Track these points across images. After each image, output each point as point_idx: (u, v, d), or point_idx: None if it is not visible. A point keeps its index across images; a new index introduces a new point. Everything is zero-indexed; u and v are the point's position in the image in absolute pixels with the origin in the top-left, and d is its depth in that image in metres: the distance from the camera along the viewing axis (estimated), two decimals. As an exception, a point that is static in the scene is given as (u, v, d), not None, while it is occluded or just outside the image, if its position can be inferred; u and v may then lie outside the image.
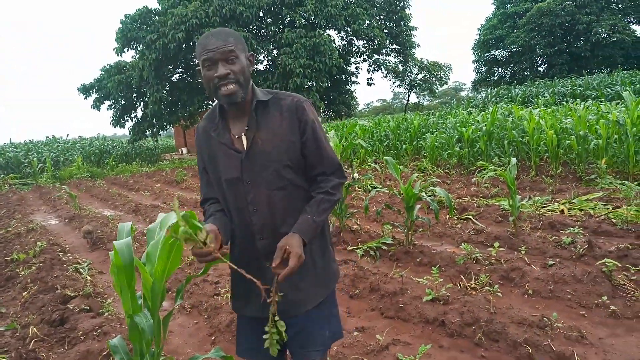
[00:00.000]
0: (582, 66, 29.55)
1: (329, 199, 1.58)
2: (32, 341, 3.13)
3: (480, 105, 19.03)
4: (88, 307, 3.66)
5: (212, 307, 3.55)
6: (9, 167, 17.79)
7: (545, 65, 33.96)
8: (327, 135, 1.74)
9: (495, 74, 37.94)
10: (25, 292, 4.11)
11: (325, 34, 18.51)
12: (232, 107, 1.56)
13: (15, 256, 5.32)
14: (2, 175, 16.53)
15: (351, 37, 23.82)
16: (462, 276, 3.71)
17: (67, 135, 27.58)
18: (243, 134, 1.56)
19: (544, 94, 17.61)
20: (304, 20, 18.62)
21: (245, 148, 1.54)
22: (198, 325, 3.43)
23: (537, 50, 32.97)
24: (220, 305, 3.53)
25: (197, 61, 1.59)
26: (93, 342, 2.98)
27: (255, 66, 19.11)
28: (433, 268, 3.72)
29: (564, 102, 13.45)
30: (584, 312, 3.01)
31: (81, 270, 4.83)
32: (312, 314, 1.63)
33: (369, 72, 27.73)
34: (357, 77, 23.78)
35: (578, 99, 13.43)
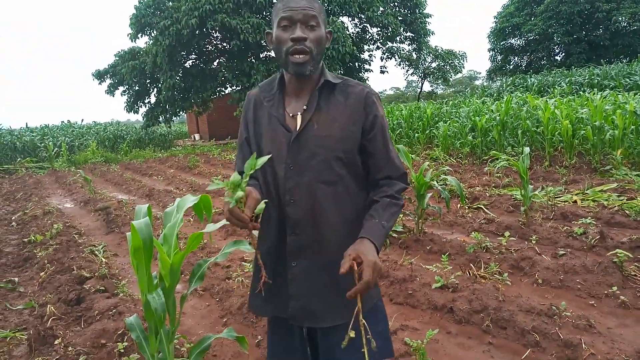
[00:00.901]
0: (600, 55, 29.01)
1: (396, 203, 1.40)
2: (50, 319, 3.22)
3: (495, 95, 18.84)
4: (103, 288, 3.74)
5: (224, 290, 3.62)
6: (25, 151, 18.06)
7: (563, 54, 33.36)
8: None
9: (511, 63, 37.38)
10: (43, 273, 4.21)
11: (339, 20, 18.36)
12: (297, 81, 1.40)
13: (33, 238, 5.45)
14: (19, 159, 16.81)
15: (365, 24, 23.59)
16: (471, 264, 3.72)
17: (82, 120, 27.81)
18: (299, 113, 1.39)
19: (560, 83, 17.37)
20: (317, 7, 18.44)
21: (298, 128, 1.37)
22: (210, 307, 3.50)
23: (555, 38, 32.37)
24: (232, 289, 3.59)
25: (272, 21, 1.39)
26: (108, 322, 3.06)
27: (267, 53, 19.11)
28: (443, 256, 3.74)
29: (581, 92, 13.24)
30: (593, 302, 3.02)
31: (96, 252, 4.93)
32: (347, 328, 1.32)
33: (382, 60, 27.53)
34: (370, 64, 23.58)
35: (595, 89, 13.21)
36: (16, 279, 4.28)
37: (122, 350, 2.68)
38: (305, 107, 1.39)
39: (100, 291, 3.69)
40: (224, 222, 1.59)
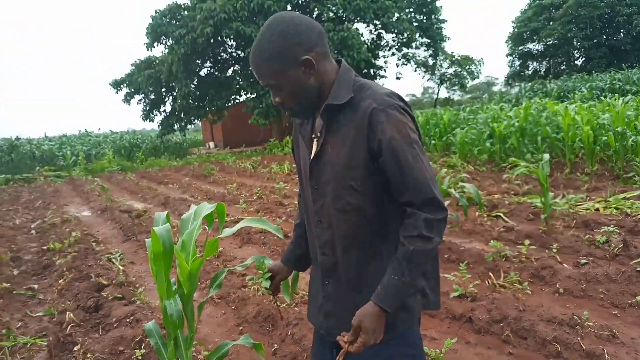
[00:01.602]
0: (622, 60, 28.56)
1: (422, 248, 1.19)
2: (69, 326, 3.26)
3: (513, 101, 18.65)
4: (121, 295, 3.77)
5: (240, 298, 3.61)
6: (44, 160, 18.43)
7: (583, 58, 32.97)
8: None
9: (530, 68, 37.07)
10: (62, 280, 4.26)
11: (354, 27, 18.45)
12: None
13: (52, 245, 5.52)
14: (37, 168, 17.14)
15: (380, 31, 23.62)
16: (490, 273, 3.66)
17: (99, 129, 28.35)
18: (315, 138, 1.35)
19: (580, 88, 17.12)
20: (332, 14, 18.58)
21: (313, 154, 1.33)
22: (226, 315, 3.49)
23: (575, 43, 32.02)
24: (248, 297, 3.59)
25: None
26: (126, 329, 3.07)
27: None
28: (461, 264, 3.68)
29: (602, 98, 13.03)
30: (616, 312, 2.94)
31: (114, 260, 4.98)
32: (372, 351, 1.29)
33: (397, 66, 27.79)
34: (385, 71, 23.64)
35: (617, 94, 12.98)
36: (36, 286, 4.33)
37: (140, 357, 2.69)
38: (318, 133, 1.34)
39: (118, 299, 3.72)
40: (239, 227, 1.61)
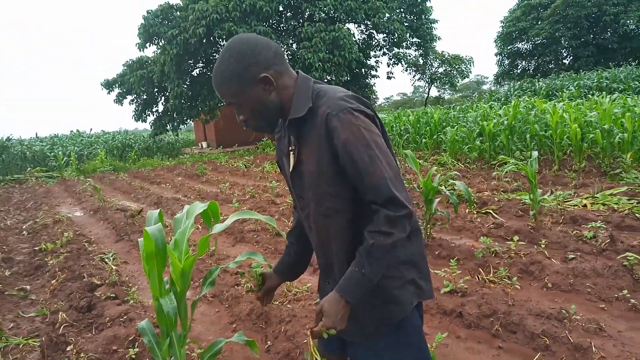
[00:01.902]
0: (609, 58, 28.80)
1: (382, 243, 1.21)
2: (62, 326, 3.26)
3: (503, 99, 18.78)
4: (114, 295, 3.78)
5: (233, 296, 3.63)
6: (35, 161, 18.26)
7: (571, 57, 33.26)
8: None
9: (519, 67, 37.32)
10: (54, 280, 4.26)
11: (345, 27, 18.47)
12: None
13: (44, 246, 5.51)
14: (29, 169, 17.00)
15: (371, 31, 23.68)
16: (480, 269, 3.71)
17: (91, 129, 28.12)
18: (290, 151, 1.40)
19: (568, 87, 17.28)
20: (323, 14, 18.61)
21: (291, 166, 1.40)
22: (219, 314, 3.52)
23: (562, 42, 32.30)
24: (241, 295, 3.61)
25: None
26: (119, 328, 3.09)
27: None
28: (451, 261, 3.73)
29: (590, 96, 13.17)
30: (603, 306, 3.00)
31: (106, 260, 4.98)
32: (369, 345, 1.42)
33: (388, 66, 27.63)
34: (376, 70, 23.72)
35: (604, 92, 13.14)
36: (28, 287, 4.32)
37: (134, 356, 2.71)
38: (291, 148, 1.40)
39: (111, 298, 3.73)
40: (230, 221, 1.64)
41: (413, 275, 1.40)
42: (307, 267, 1.74)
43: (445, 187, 5.14)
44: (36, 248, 5.62)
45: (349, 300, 1.24)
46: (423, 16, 27.16)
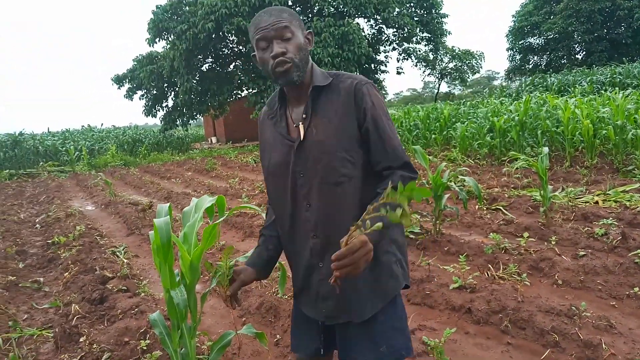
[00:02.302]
0: (622, 54, 28.45)
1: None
2: (75, 318, 3.31)
3: (514, 95, 18.63)
4: (125, 288, 3.83)
5: (243, 290, 3.66)
6: (47, 155, 18.47)
7: (584, 52, 32.84)
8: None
9: (531, 62, 36.93)
10: (67, 273, 4.32)
11: (354, 22, 18.37)
12: (291, 90, 1.45)
13: (56, 239, 5.58)
14: (41, 163, 17.22)
15: (380, 26, 23.54)
16: (490, 265, 3.70)
17: (102, 124, 28.33)
18: (300, 122, 1.42)
19: (581, 82, 17.09)
20: (332, 9, 18.53)
21: (301, 138, 1.40)
22: (229, 307, 3.54)
23: (575, 37, 31.89)
24: (250, 289, 3.64)
25: (252, 45, 1.44)
26: (131, 320, 3.13)
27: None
28: (460, 257, 3.73)
29: (603, 91, 13.01)
30: (614, 303, 2.98)
31: (118, 253, 5.04)
32: (365, 323, 1.46)
33: (398, 61, 27.34)
34: (386, 66, 23.52)
35: (617, 88, 12.97)
36: (41, 279, 4.39)
37: (145, 348, 2.74)
38: (304, 115, 1.42)
39: (123, 291, 3.78)
40: (230, 213, 1.69)
41: (400, 257, 1.49)
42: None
43: (455, 183, 5.13)
44: (49, 241, 5.69)
45: (372, 240, 1.22)
46: (433, 10, 26.87)
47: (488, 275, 3.56)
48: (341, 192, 1.38)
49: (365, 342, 1.47)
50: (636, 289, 3.02)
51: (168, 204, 1.84)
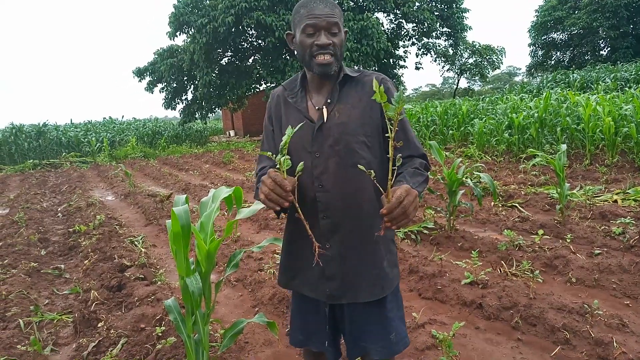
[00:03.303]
0: (648, 50, 27.71)
1: (422, 172, 1.44)
2: (93, 304, 3.41)
3: (535, 91, 18.32)
4: (142, 276, 3.92)
5: (256, 281, 3.72)
6: (70, 146, 18.87)
7: (608, 48, 32.06)
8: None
9: (553, 58, 36.22)
10: (87, 260, 4.44)
11: (374, 16, 18.27)
12: (316, 79, 1.50)
13: (77, 228, 5.73)
14: (64, 154, 17.62)
15: (400, 20, 23.37)
16: (503, 262, 3.69)
17: (123, 116, 28.77)
18: (325, 106, 1.48)
19: (604, 79, 16.73)
20: (352, 3, 18.46)
21: (324, 120, 1.46)
22: (242, 297, 3.61)
23: (600, 32, 31.14)
24: (264, 280, 3.70)
25: (293, 25, 1.49)
26: (147, 307, 3.21)
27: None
28: (473, 252, 3.73)
29: (627, 89, 12.72)
30: (628, 302, 2.95)
31: (136, 242, 5.15)
32: (374, 308, 1.52)
33: (417, 56, 27.20)
34: (405, 61, 23.35)
35: (641, 85, 12.66)
36: (62, 266, 4.52)
37: (160, 334, 2.82)
38: (329, 100, 1.48)
39: (140, 279, 3.87)
40: (257, 208, 1.70)
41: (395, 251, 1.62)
42: None
43: (471, 180, 5.10)
44: (70, 229, 5.85)
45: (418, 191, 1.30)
46: (454, 5, 26.50)
47: (500, 271, 3.55)
48: (359, 174, 1.40)
49: (377, 328, 1.53)
50: (651, 288, 2.99)
51: (185, 195, 1.90)
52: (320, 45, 1.39)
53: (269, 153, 1.45)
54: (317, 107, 1.50)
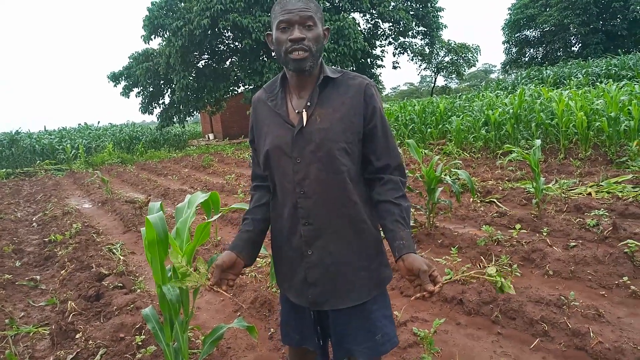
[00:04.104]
0: (618, 45, 28.49)
1: (408, 206, 1.46)
2: (71, 315, 3.34)
3: (510, 88, 18.65)
4: (121, 284, 3.85)
5: (237, 285, 3.69)
6: (44, 154, 18.45)
7: (580, 44, 32.84)
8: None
9: (527, 55, 36.93)
10: (63, 270, 4.35)
11: (350, 17, 18.34)
12: (298, 78, 1.46)
13: (53, 237, 5.60)
14: (38, 162, 17.20)
15: (376, 20, 23.51)
16: (482, 257, 3.74)
17: (98, 122, 28.29)
18: (304, 110, 1.43)
19: (576, 74, 17.13)
20: (328, 3, 18.50)
21: (304, 124, 1.41)
22: (224, 302, 3.58)
23: (571, 29, 31.90)
24: (245, 284, 3.67)
25: (271, 24, 1.46)
26: (127, 316, 3.16)
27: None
28: (452, 249, 3.77)
29: (598, 83, 13.04)
30: (603, 292, 3.02)
31: (114, 250, 5.06)
32: (357, 312, 1.50)
33: (394, 56, 27.41)
34: (382, 60, 23.53)
35: (612, 80, 13.00)
36: (38, 277, 4.42)
37: (140, 343, 2.77)
38: (308, 104, 1.44)
39: (119, 287, 3.80)
40: (226, 210, 1.69)
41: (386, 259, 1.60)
42: None
43: (449, 177, 5.16)
44: (46, 239, 5.72)
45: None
46: (429, 4, 26.80)
47: (480, 267, 3.60)
48: (341, 181, 1.41)
49: (360, 331, 1.50)
50: (625, 278, 3.06)
51: (160, 202, 1.87)
52: (293, 39, 1.35)
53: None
54: (297, 111, 1.46)
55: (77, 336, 3.03)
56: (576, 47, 33.52)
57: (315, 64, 1.42)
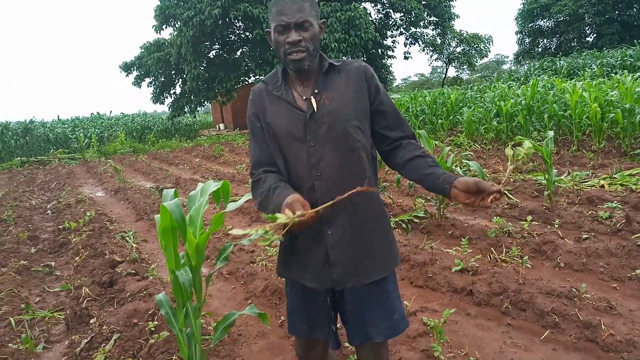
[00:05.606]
0: (634, 36, 27.82)
1: (435, 159, 1.56)
2: (85, 300, 3.40)
3: (522, 79, 18.40)
4: (134, 271, 3.91)
5: (248, 273, 3.73)
6: (58, 143, 18.67)
7: (594, 35, 32.23)
8: None
9: (540, 45, 36.34)
10: (77, 257, 4.42)
11: (361, 7, 18.20)
12: (298, 74, 1.52)
13: (67, 225, 5.69)
14: (52, 150, 17.42)
15: (387, 10, 23.31)
16: (492, 248, 3.73)
17: (111, 112, 28.49)
18: (312, 96, 1.49)
19: (591, 65, 16.82)
20: (339, -6, 18.33)
21: (315, 109, 1.47)
22: (235, 290, 3.62)
23: (586, 19, 31.27)
24: (256, 272, 3.70)
25: (269, 23, 1.50)
26: (139, 302, 3.21)
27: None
28: (463, 239, 3.76)
29: (613, 74, 12.82)
30: (615, 285, 3.00)
31: (127, 238, 5.13)
32: (376, 289, 1.55)
33: (405, 46, 27.19)
34: (393, 51, 23.35)
35: (627, 71, 12.78)
36: (53, 264, 4.50)
37: (153, 329, 2.82)
38: (316, 90, 1.50)
39: (131, 274, 3.86)
40: (243, 200, 1.71)
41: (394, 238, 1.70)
42: None
43: (460, 168, 5.14)
44: (60, 227, 5.80)
45: None
46: (441, -7, 26.48)
47: (490, 258, 3.59)
48: (357, 158, 1.49)
49: (380, 309, 1.56)
50: (638, 271, 3.04)
51: (173, 189, 1.89)
52: (291, 42, 1.41)
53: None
54: (304, 97, 1.50)
55: (91, 321, 3.09)
56: (591, 37, 32.92)
57: (313, 61, 1.49)
